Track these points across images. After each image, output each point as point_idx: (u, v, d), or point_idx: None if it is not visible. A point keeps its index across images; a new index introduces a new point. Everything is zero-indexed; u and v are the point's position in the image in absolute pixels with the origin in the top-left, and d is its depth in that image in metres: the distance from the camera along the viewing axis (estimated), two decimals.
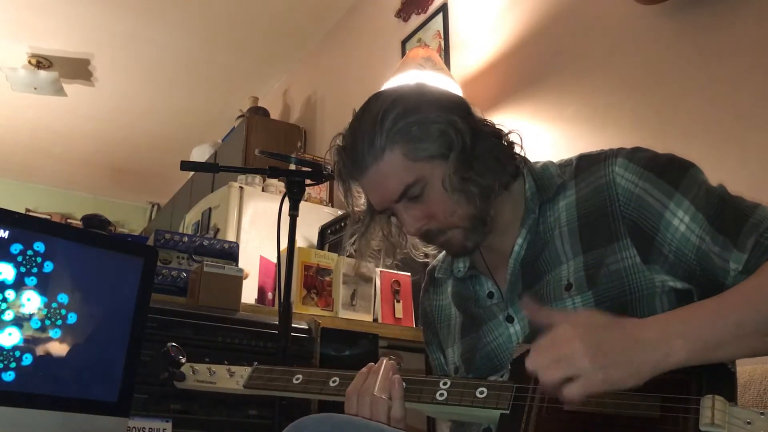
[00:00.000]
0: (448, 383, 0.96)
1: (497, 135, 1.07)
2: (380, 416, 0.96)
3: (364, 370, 1.03)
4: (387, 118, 1.01)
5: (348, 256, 1.22)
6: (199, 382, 1.18)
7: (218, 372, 1.18)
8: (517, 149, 1.09)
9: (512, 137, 1.09)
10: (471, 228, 1.04)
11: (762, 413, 0.76)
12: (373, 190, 1.06)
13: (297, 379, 1.09)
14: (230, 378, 1.16)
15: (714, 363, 0.82)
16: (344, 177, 1.09)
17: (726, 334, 0.80)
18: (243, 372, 1.16)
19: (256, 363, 1.17)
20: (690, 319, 0.82)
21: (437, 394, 0.95)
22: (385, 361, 1.02)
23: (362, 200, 1.12)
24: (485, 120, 1.08)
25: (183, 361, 1.19)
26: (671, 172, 0.96)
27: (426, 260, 1.20)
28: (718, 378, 0.83)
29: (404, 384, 0.98)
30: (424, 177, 1.01)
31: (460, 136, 1.01)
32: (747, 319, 0.80)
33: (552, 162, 1.11)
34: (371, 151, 1.01)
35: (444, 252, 1.20)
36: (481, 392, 0.92)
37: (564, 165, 1.09)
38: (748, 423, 0.76)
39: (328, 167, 1.13)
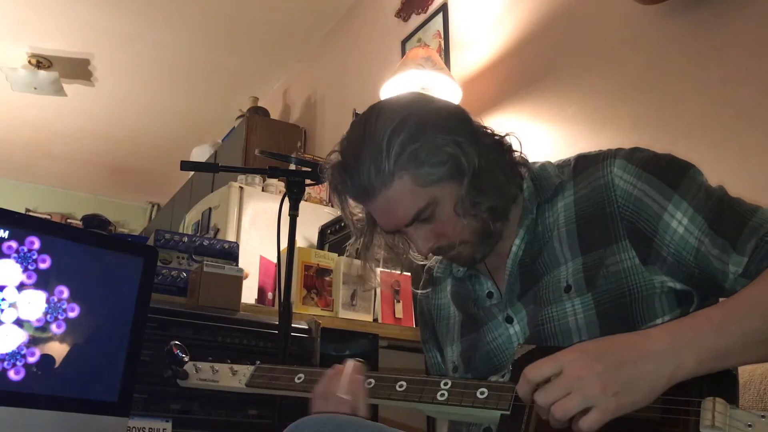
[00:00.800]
0: (449, 383, 0.96)
1: (499, 145, 1.06)
2: None
3: (329, 372, 1.05)
4: (393, 144, 0.98)
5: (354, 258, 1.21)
6: (201, 381, 1.18)
7: (221, 370, 1.18)
8: (516, 154, 1.09)
9: (512, 141, 1.08)
10: (479, 242, 1.04)
11: (763, 416, 0.76)
12: (382, 215, 1.05)
13: (299, 378, 1.10)
14: (233, 376, 1.16)
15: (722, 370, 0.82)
16: (342, 194, 1.08)
17: (733, 343, 0.80)
18: (245, 371, 1.16)
19: (258, 362, 1.17)
20: (699, 328, 0.81)
21: (438, 395, 0.95)
22: (350, 363, 1.05)
23: (359, 209, 1.11)
24: (485, 129, 1.07)
25: (186, 359, 1.19)
26: (670, 174, 0.96)
27: (425, 263, 1.20)
28: (720, 380, 0.83)
29: (370, 383, 1.01)
30: (434, 200, 1.00)
31: (467, 158, 0.99)
32: (753, 327, 0.80)
33: (550, 162, 1.11)
34: (379, 178, 0.99)
35: None
36: (482, 393, 0.92)
37: (562, 165, 1.09)
38: (749, 426, 0.76)
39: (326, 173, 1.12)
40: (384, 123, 1.01)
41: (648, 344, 0.81)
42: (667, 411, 0.81)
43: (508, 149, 1.07)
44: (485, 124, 1.09)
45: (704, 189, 0.94)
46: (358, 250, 1.15)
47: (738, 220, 0.90)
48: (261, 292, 2.36)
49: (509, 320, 1.06)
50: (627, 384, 0.78)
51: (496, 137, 1.07)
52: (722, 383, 0.83)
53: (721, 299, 0.92)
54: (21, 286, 1.15)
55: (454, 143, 1.00)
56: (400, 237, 1.12)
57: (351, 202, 1.09)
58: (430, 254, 1.10)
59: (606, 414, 0.78)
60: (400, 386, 0.99)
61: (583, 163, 1.06)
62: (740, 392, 1.07)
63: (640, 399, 0.79)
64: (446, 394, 0.95)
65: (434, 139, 0.99)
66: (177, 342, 1.20)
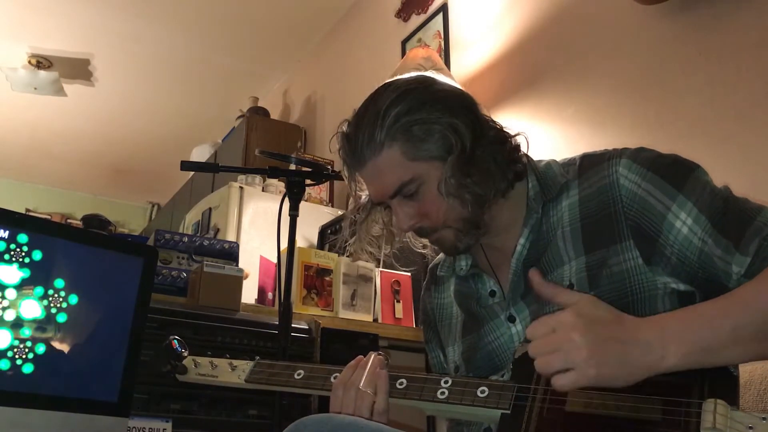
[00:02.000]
0: (450, 382, 0.95)
1: (501, 139, 1.06)
2: (364, 409, 0.98)
3: (352, 363, 1.05)
4: (389, 114, 1.01)
5: (347, 248, 1.20)
6: (200, 376, 1.18)
7: (220, 366, 1.18)
8: (519, 154, 1.08)
9: (518, 139, 1.08)
10: (463, 230, 1.04)
11: (764, 418, 0.76)
12: (369, 183, 1.07)
13: (298, 375, 1.09)
14: (232, 372, 1.16)
15: (713, 367, 0.82)
16: (344, 161, 1.10)
17: (723, 339, 0.80)
18: (245, 366, 1.16)
19: (258, 357, 1.17)
20: (688, 322, 0.82)
21: (438, 393, 0.95)
22: (373, 355, 1.04)
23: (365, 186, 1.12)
24: (491, 122, 1.07)
25: (185, 354, 1.19)
26: (675, 174, 0.96)
27: (424, 251, 1.19)
28: (721, 382, 0.83)
29: (389, 379, 1.00)
30: (420, 176, 1.01)
31: (461, 141, 1.00)
32: (745, 323, 0.80)
33: (555, 161, 1.10)
34: (370, 145, 1.02)
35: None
36: (483, 391, 0.92)
37: (567, 164, 1.09)
38: (750, 428, 0.76)
39: (329, 167, 1.13)
40: (387, 96, 1.03)
41: (638, 331, 0.81)
42: (668, 412, 0.81)
43: (512, 148, 1.07)
44: (494, 119, 1.09)
45: (709, 189, 0.94)
46: (356, 225, 1.15)
47: (742, 221, 0.90)
48: (261, 292, 2.36)
49: (512, 319, 1.06)
50: (611, 358, 0.79)
51: (501, 132, 1.07)
52: (723, 385, 0.83)
53: None
54: (20, 287, 1.15)
55: (449, 124, 1.00)
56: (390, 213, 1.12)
57: (357, 176, 1.10)
58: (411, 232, 1.09)
59: (583, 379, 0.79)
60: (401, 384, 0.99)
61: (588, 163, 1.06)
62: (740, 392, 1.07)
63: (618, 377, 0.80)
64: (446, 392, 0.95)
65: (430, 116, 1.00)
66: (176, 337, 1.20)
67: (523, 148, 1.09)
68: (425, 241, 1.15)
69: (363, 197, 1.12)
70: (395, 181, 1.02)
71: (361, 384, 0.99)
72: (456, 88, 1.11)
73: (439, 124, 1.00)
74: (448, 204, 1.01)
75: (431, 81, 1.08)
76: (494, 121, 1.08)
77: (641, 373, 0.80)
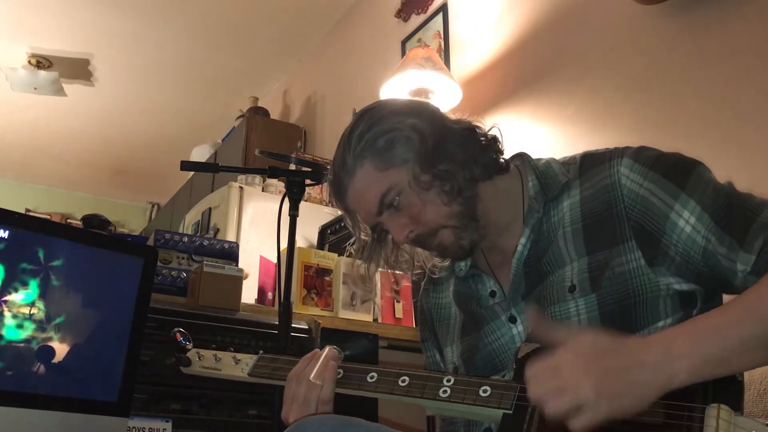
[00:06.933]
0: (452, 380, 0.95)
1: (470, 130, 1.07)
2: (312, 400, 1.02)
3: (307, 356, 1.08)
4: (353, 137, 1.05)
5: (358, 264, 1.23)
6: (204, 369, 1.18)
7: (223, 359, 1.18)
8: (500, 144, 1.09)
9: (493, 131, 1.09)
10: (460, 226, 1.04)
11: (767, 423, 0.76)
12: (357, 209, 1.09)
13: None
14: (235, 365, 1.16)
15: (722, 377, 0.81)
16: (338, 205, 1.12)
17: (731, 350, 0.79)
18: (248, 360, 1.16)
19: (261, 351, 1.17)
20: (696, 336, 0.81)
21: (440, 391, 0.95)
22: (327, 349, 1.07)
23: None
24: (458, 120, 1.09)
25: (189, 346, 1.19)
26: (677, 172, 0.95)
27: (442, 264, 1.20)
28: (725, 387, 0.82)
29: (340, 372, 1.04)
30: (396, 183, 1.03)
31: (420, 136, 1.02)
32: (751, 333, 0.79)
33: (555, 159, 1.10)
34: (344, 171, 1.05)
35: None
36: (485, 391, 0.92)
37: (568, 163, 1.08)
38: None
39: (329, 167, 1.14)
40: (350, 126, 1.08)
41: (643, 354, 0.80)
42: (671, 417, 0.81)
43: (483, 135, 1.08)
44: (461, 118, 1.10)
45: (712, 186, 0.94)
46: (358, 251, 1.17)
47: (746, 217, 0.89)
48: (261, 292, 2.36)
49: (513, 320, 1.06)
50: (620, 391, 0.78)
51: (469, 124, 1.08)
52: (727, 390, 0.83)
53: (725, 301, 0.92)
54: (20, 286, 1.15)
55: (409, 126, 1.03)
56: (398, 250, 1.14)
57: (354, 215, 1.12)
58: (409, 244, 1.10)
59: (596, 417, 0.78)
60: (403, 381, 0.99)
61: (589, 162, 1.05)
62: None
63: (631, 406, 0.79)
64: (448, 390, 0.94)
65: (390, 124, 1.04)
66: (181, 329, 1.20)
67: (500, 140, 1.09)
68: (436, 261, 1.16)
69: (363, 230, 1.14)
70: (375, 195, 1.04)
71: (312, 376, 1.03)
72: (415, 99, 1.14)
73: (399, 129, 1.03)
74: (429, 200, 1.02)
75: (388, 99, 1.15)
76: (462, 119, 1.10)
77: (653, 394, 0.79)
